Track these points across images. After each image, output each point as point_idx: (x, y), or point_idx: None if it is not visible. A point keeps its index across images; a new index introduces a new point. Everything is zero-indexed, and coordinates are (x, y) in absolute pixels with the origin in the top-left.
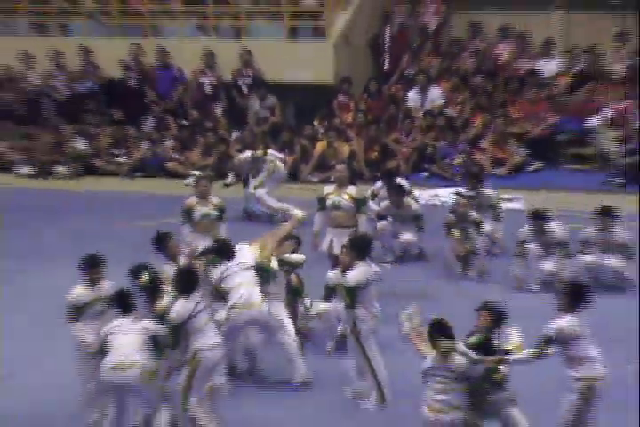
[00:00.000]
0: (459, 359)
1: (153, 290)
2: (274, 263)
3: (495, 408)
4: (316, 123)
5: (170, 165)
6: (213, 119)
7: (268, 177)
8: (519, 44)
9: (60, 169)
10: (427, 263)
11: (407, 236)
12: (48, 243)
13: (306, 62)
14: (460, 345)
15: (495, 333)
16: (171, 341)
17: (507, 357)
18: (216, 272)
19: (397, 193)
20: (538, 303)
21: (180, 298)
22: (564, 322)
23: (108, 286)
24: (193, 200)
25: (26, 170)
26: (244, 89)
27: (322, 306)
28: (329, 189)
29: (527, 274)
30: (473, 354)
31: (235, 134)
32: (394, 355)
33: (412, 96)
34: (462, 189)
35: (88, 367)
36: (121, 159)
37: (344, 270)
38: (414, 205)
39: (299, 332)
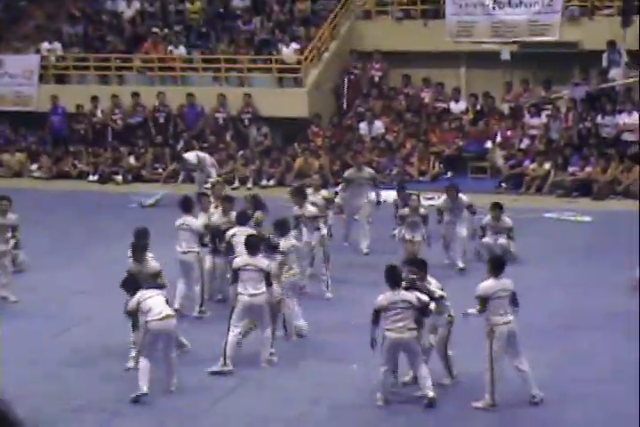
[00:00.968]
0: (411, 295)
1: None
2: None
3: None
4: (296, 145)
5: (194, 174)
6: (225, 143)
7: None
8: (437, 90)
9: (118, 177)
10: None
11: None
12: (116, 229)
13: (289, 103)
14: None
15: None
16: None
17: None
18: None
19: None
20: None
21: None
22: (487, 284)
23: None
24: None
25: (94, 178)
26: (246, 122)
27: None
28: (309, 191)
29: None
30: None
31: (240, 153)
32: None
33: (363, 127)
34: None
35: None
36: (160, 171)
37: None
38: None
39: None
